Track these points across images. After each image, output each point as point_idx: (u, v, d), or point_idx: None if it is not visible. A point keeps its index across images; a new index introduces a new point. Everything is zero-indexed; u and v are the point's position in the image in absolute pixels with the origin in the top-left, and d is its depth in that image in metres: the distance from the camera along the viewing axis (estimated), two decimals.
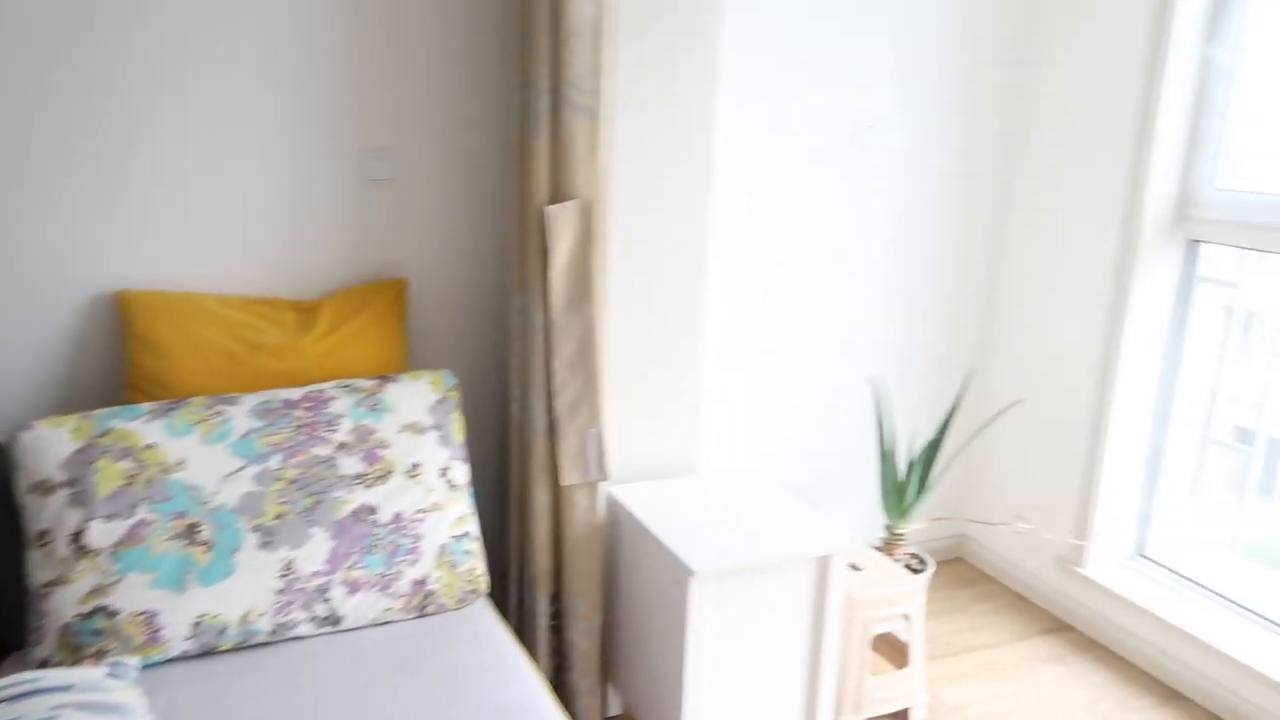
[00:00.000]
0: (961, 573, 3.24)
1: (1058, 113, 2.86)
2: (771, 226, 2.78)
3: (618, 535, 2.26)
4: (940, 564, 3.28)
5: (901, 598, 2.37)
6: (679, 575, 1.95)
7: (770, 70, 2.67)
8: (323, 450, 1.94)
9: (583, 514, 2.20)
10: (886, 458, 2.79)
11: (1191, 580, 2.74)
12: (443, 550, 1.96)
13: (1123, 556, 2.89)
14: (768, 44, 2.65)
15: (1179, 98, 2.56)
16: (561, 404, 2.14)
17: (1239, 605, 2.61)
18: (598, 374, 2.13)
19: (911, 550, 2.90)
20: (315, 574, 1.85)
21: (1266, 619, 2.53)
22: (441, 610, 1.96)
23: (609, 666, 2.34)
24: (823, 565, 2.06)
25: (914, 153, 2.90)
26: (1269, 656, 2.41)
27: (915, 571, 2.82)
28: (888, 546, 2.86)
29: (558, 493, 2.21)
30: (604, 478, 2.18)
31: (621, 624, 2.28)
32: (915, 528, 3.08)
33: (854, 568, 2.47)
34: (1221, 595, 2.66)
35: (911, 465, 2.81)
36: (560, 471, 2.16)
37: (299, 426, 1.95)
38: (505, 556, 2.43)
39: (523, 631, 2.33)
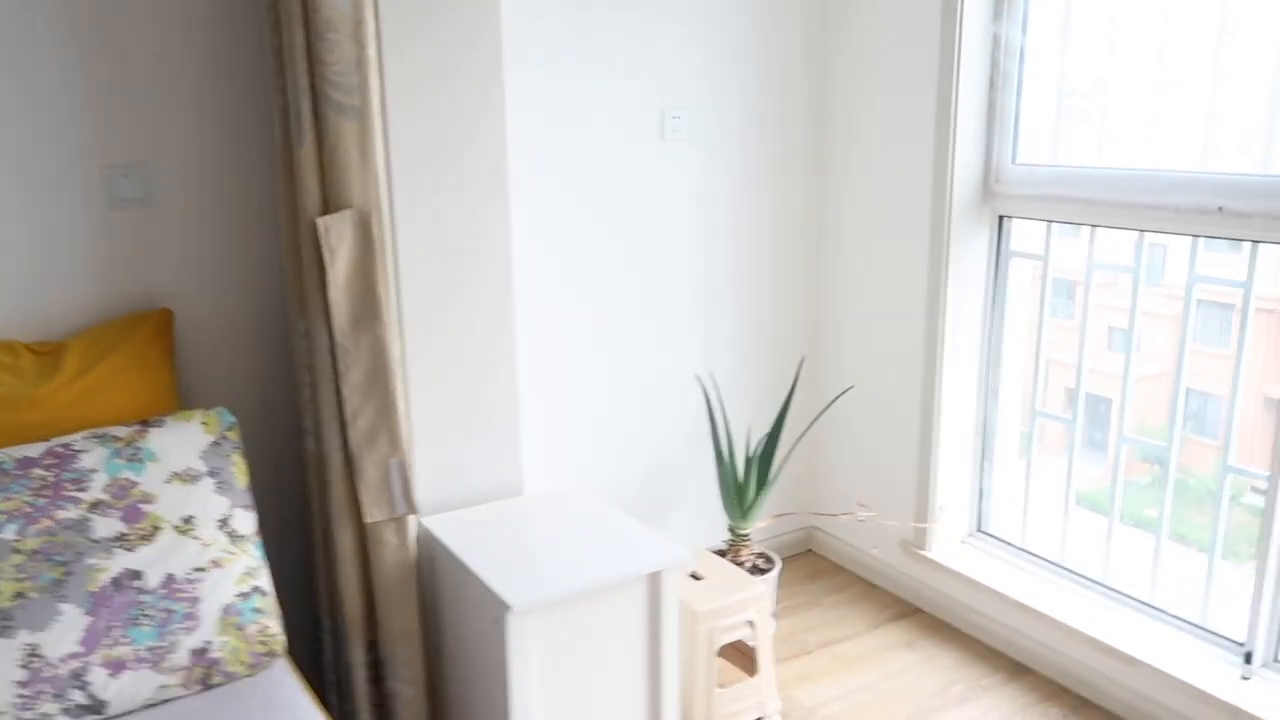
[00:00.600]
0: (813, 565, 3.19)
1: (865, 94, 2.85)
2: (584, 227, 2.65)
3: (435, 572, 2.08)
4: (791, 558, 3.23)
5: (744, 604, 2.27)
6: (496, 612, 1.79)
7: (568, 65, 2.54)
8: (71, 513, 1.68)
9: (393, 553, 2.01)
10: (721, 458, 2.71)
11: (1029, 552, 2.77)
12: (227, 611, 1.73)
13: (963, 534, 2.90)
14: (563, 37, 2.52)
15: (974, 76, 2.58)
16: (357, 434, 1.94)
17: (1075, 573, 2.64)
18: (393, 398, 1.95)
19: (758, 550, 2.82)
20: (68, 657, 1.59)
21: (1101, 585, 2.57)
22: (230, 680, 1.74)
23: (439, 715, 2.15)
24: (654, 583, 1.93)
25: (727, 141, 2.84)
26: (1104, 622, 2.44)
27: (762, 572, 2.74)
28: (733, 549, 2.78)
29: (363, 532, 2.01)
30: (411, 511, 2.00)
31: (448, 668, 2.10)
32: (760, 526, 3.01)
33: (695, 577, 2.36)
34: (1058, 565, 2.69)
35: (749, 462, 2.74)
36: (363, 508, 1.97)
37: (40, 488, 1.68)
38: (317, 607, 2.21)
39: (340, 687, 2.12)
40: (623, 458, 2.84)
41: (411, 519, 2.04)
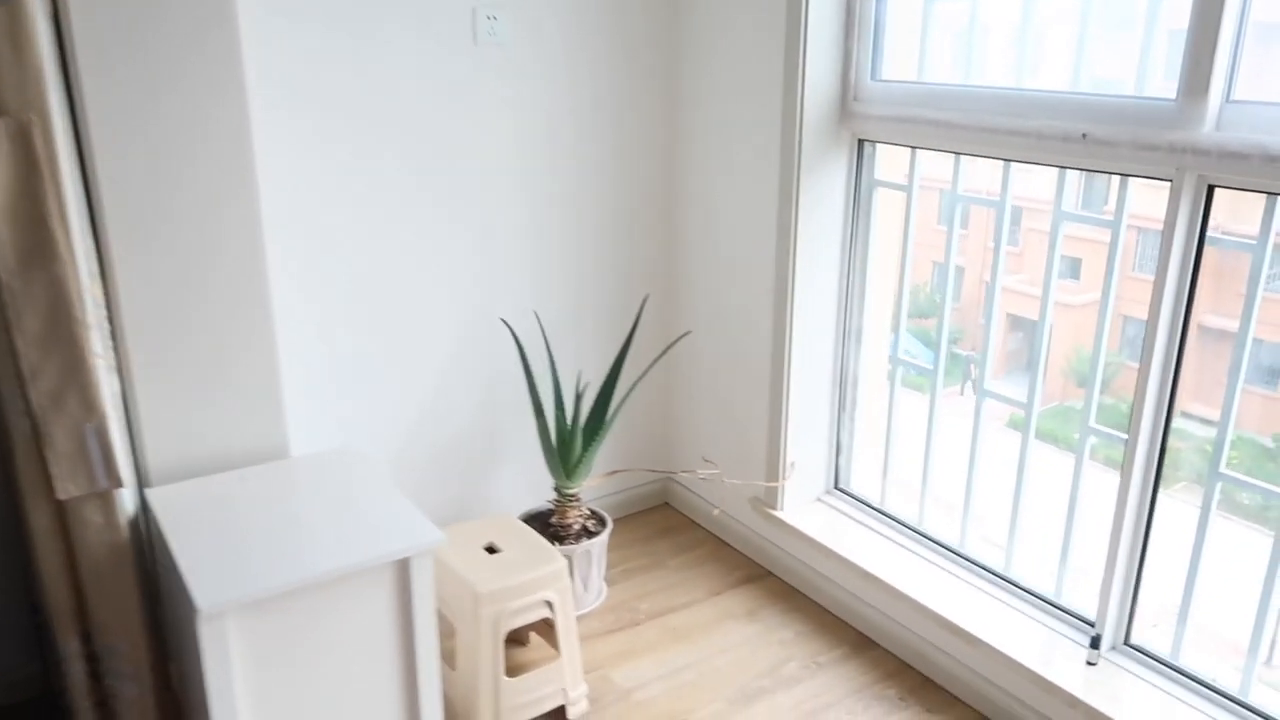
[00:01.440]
0: (666, 521, 2.94)
1: (713, 5, 2.48)
2: (382, 148, 2.29)
3: (159, 554, 1.77)
4: (643, 514, 2.98)
5: (540, 582, 2.00)
6: (186, 611, 1.49)
7: None
8: None
9: (98, 533, 1.69)
10: (540, 411, 2.41)
11: (886, 514, 2.53)
12: None
13: (818, 492, 2.66)
14: None
15: None
16: (40, 394, 1.60)
17: (930, 539, 2.41)
18: (83, 352, 1.60)
19: (589, 510, 2.56)
20: None
21: (957, 554, 2.35)
22: None
23: (171, 717, 1.87)
24: (402, 571, 1.64)
25: (559, 51, 2.47)
26: (953, 596, 2.22)
27: (591, 535, 2.48)
28: (559, 510, 2.50)
29: (61, 509, 1.69)
30: (116, 484, 1.68)
31: (184, 665, 1.80)
32: (592, 483, 2.74)
33: (490, 550, 2.09)
34: (914, 529, 2.46)
35: (575, 415, 2.44)
36: (55, 482, 1.64)
37: None
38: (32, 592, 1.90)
39: (59, 682, 1.82)
40: (436, 412, 2.53)
41: (127, 492, 1.73)
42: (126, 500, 1.74)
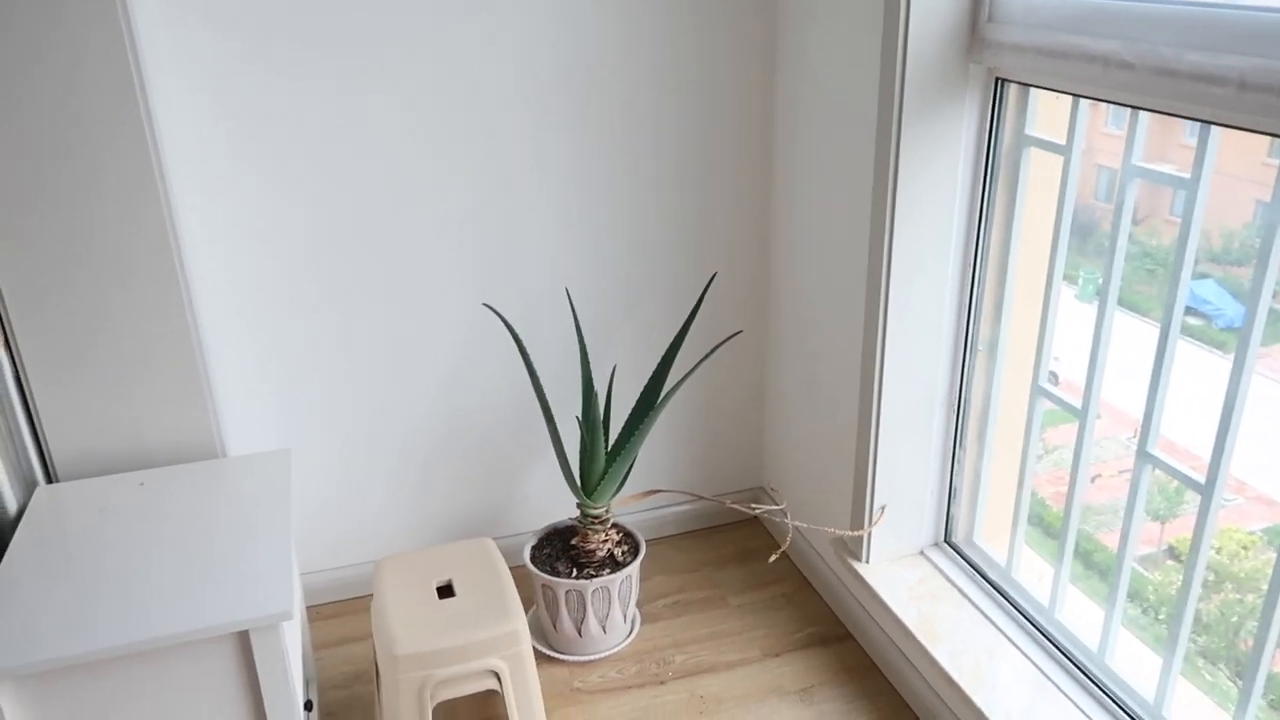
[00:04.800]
0: (751, 541, 2.43)
1: None
2: (380, 89, 1.89)
3: None
4: (727, 528, 2.48)
5: (483, 646, 1.60)
6: None
7: None
8: None
9: None
10: (550, 416, 1.98)
11: (996, 585, 1.88)
12: None
13: (920, 543, 2.04)
14: None
15: None
16: None
17: (1041, 629, 1.76)
18: None
19: (623, 529, 2.12)
20: None
21: (1086, 672, 1.68)
22: None
23: None
24: (243, 645, 1.30)
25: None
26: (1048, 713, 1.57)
27: (618, 566, 2.04)
28: (582, 532, 2.08)
29: None
30: None
31: None
32: (627, 502, 2.27)
33: (444, 592, 1.71)
34: (1027, 614, 1.80)
35: (603, 422, 1.99)
36: None
37: None
38: None
39: None
40: (449, 407, 2.15)
41: (4, 488, 1.51)
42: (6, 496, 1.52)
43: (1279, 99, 1.12)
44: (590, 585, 1.99)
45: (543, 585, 2.02)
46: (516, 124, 1.99)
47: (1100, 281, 1.57)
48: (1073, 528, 1.73)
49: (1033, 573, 1.90)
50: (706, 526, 2.49)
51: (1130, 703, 1.61)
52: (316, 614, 2.22)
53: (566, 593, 2.00)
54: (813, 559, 2.25)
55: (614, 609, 2.04)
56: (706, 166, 2.14)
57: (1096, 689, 1.65)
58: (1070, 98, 1.57)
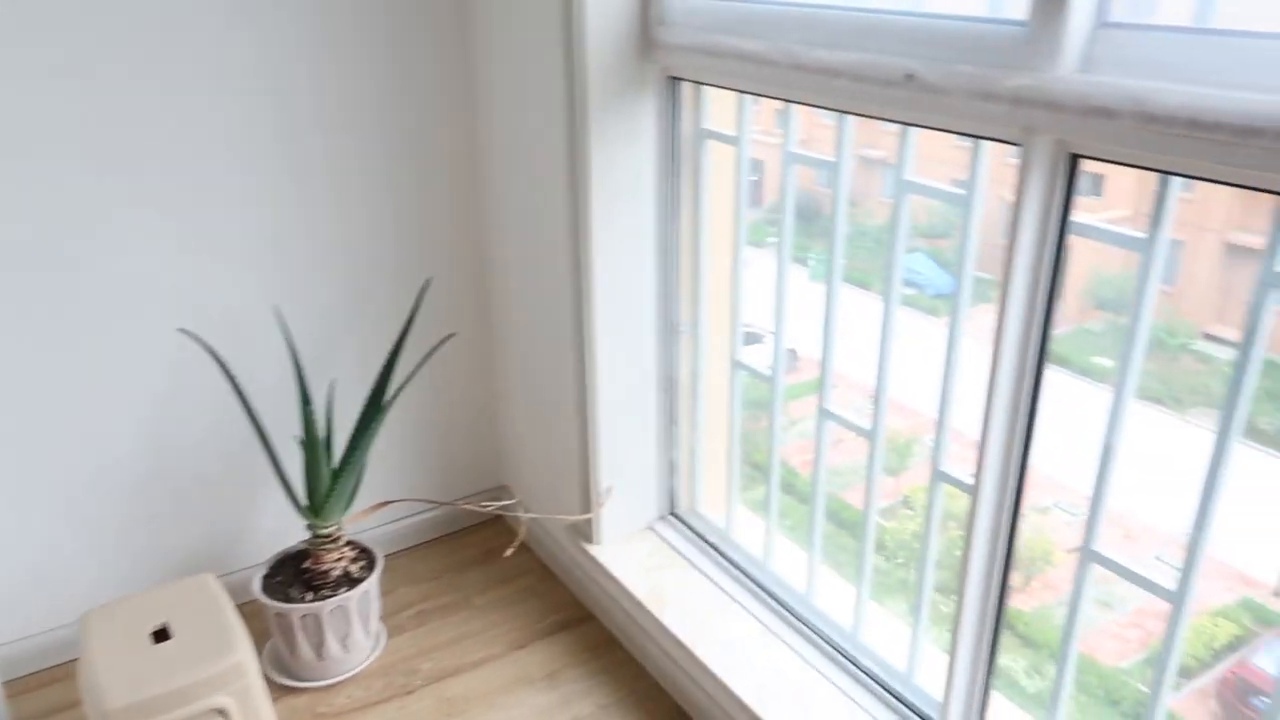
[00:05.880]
0: (495, 540, 2.46)
1: None
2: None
3: None
4: (470, 531, 2.49)
5: (209, 684, 1.52)
6: None
7: None
8: None
9: None
10: (263, 435, 1.91)
11: (719, 549, 2.03)
12: None
13: (647, 519, 2.15)
14: None
15: None
16: None
17: (765, 590, 1.92)
18: None
19: (358, 545, 2.08)
20: None
21: (798, 616, 1.85)
22: None
23: None
24: None
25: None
26: (777, 683, 1.72)
27: (354, 582, 2.00)
28: (314, 553, 2.01)
29: None
30: None
31: None
32: (359, 517, 2.24)
33: (160, 635, 1.60)
34: (748, 573, 1.96)
35: (322, 441, 1.94)
36: None
37: None
38: None
39: None
40: (156, 439, 2.02)
41: None
42: None
43: (883, 89, 1.30)
44: (326, 606, 1.93)
45: (276, 614, 1.95)
46: (212, 136, 1.89)
47: (828, 261, 1.72)
48: (775, 485, 1.90)
49: (759, 533, 2.05)
50: (449, 532, 2.49)
51: (833, 635, 1.79)
52: (20, 687, 2.00)
53: (302, 617, 1.93)
54: (552, 548, 2.32)
55: (354, 627, 2.00)
56: (416, 175, 2.14)
57: (809, 631, 1.82)
58: (734, 92, 1.72)
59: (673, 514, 2.16)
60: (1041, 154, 1.15)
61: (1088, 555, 1.33)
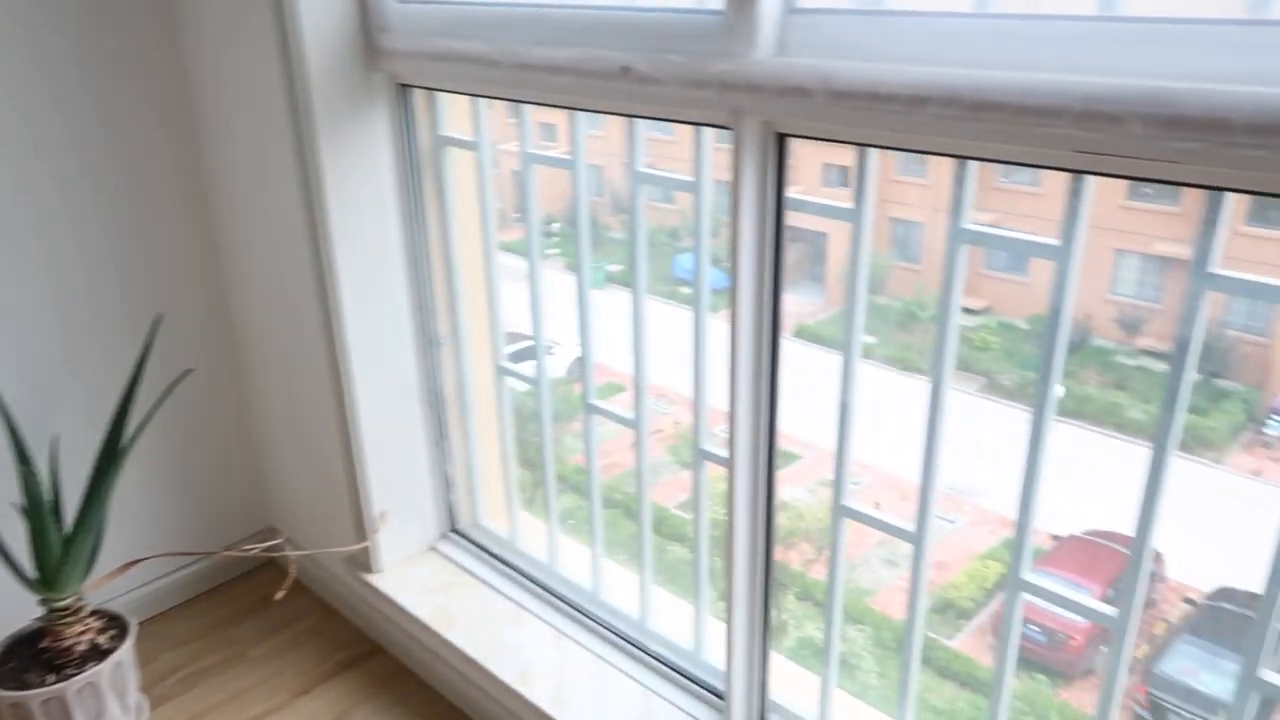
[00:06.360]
0: (270, 587, 2.30)
1: None
2: None
3: None
4: (238, 581, 2.32)
5: None
6: None
7: None
8: None
9: None
10: None
11: (505, 560, 2.00)
12: None
13: (429, 539, 2.09)
14: None
15: None
16: None
17: (553, 593, 1.91)
18: None
19: (105, 614, 1.89)
20: None
21: (589, 614, 1.85)
22: None
23: None
24: None
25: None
26: (570, 682, 1.72)
27: (103, 654, 1.81)
28: (54, 629, 1.81)
29: None
30: None
31: None
32: (104, 582, 2.04)
33: None
34: (537, 580, 1.95)
35: (49, 504, 1.75)
36: None
37: None
38: None
39: None
40: None
41: None
42: None
43: (603, 82, 1.32)
44: (71, 686, 1.74)
45: (11, 706, 1.73)
46: None
47: (607, 269, 1.73)
48: (551, 489, 1.90)
49: (555, 539, 2.04)
50: (216, 585, 2.31)
51: (623, 626, 1.81)
52: None
53: (43, 703, 1.73)
54: (331, 584, 2.20)
55: (109, 704, 1.81)
56: (136, 208, 1.97)
57: (599, 626, 1.83)
58: (469, 97, 1.70)
59: (455, 530, 2.11)
60: (751, 135, 1.21)
61: (840, 511, 1.41)
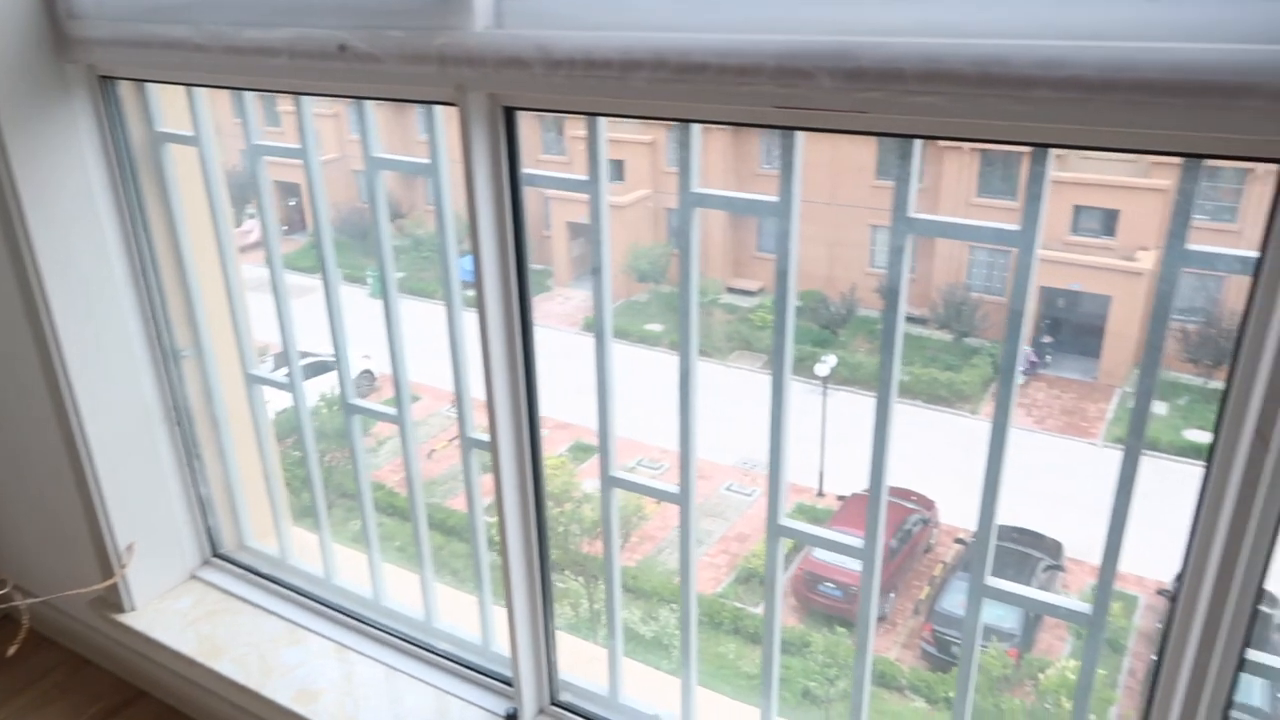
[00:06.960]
0: (5, 644, 2.05)
1: None
2: None
3: None
4: None
5: None
6: None
7: None
8: None
9: None
10: None
11: (276, 579, 1.89)
12: None
13: (189, 568, 1.94)
14: None
15: None
16: None
17: (330, 606, 1.82)
18: None
19: None
20: None
21: (367, 620, 1.78)
22: None
23: None
24: None
25: None
26: (343, 692, 1.65)
27: None
28: None
29: None
30: None
31: None
32: None
33: None
34: (312, 595, 1.85)
35: None
36: None
37: None
38: None
39: None
40: None
41: None
42: None
43: (320, 63, 1.26)
44: None
45: None
46: None
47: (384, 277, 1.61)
48: (321, 504, 1.80)
49: (343, 555, 1.92)
50: None
51: (407, 630, 1.75)
52: None
53: None
54: (78, 631, 2.00)
55: None
56: None
57: (383, 633, 1.76)
58: (185, 87, 1.58)
59: (218, 555, 1.97)
60: (478, 110, 1.19)
61: (608, 481, 1.42)
